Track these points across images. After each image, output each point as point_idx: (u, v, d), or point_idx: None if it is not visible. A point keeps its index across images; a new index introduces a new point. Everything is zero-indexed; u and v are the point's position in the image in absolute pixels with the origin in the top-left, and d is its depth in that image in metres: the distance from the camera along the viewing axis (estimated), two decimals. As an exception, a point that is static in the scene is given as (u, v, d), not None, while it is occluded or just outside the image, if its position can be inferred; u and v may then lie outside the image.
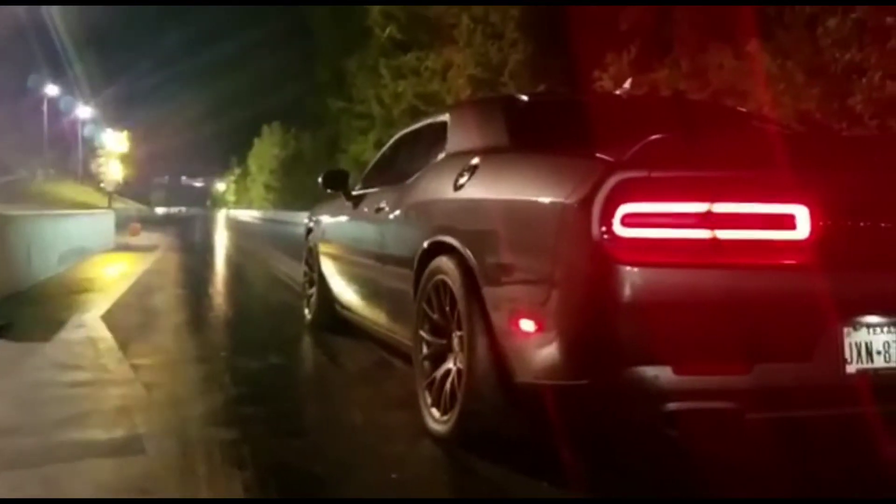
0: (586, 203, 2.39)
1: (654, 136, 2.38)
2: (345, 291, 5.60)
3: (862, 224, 2.43)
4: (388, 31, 31.74)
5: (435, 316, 3.49)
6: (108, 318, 6.98)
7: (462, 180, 3.44)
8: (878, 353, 2.42)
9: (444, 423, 3.28)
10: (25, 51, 64.91)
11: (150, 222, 39.33)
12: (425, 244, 3.60)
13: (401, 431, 3.68)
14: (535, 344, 2.70)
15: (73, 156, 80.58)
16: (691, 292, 2.32)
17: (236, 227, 41.13)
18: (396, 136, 6.09)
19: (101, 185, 42.80)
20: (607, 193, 2.34)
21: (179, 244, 21.34)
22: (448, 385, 3.31)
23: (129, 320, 7.05)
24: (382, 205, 4.59)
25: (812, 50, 14.02)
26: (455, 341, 3.30)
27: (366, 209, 5.05)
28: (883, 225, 2.44)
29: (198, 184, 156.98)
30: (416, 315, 3.67)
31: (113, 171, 40.67)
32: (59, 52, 65.33)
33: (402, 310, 4.03)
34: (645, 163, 2.34)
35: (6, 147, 66.85)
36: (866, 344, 2.42)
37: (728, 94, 15.99)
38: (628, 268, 2.31)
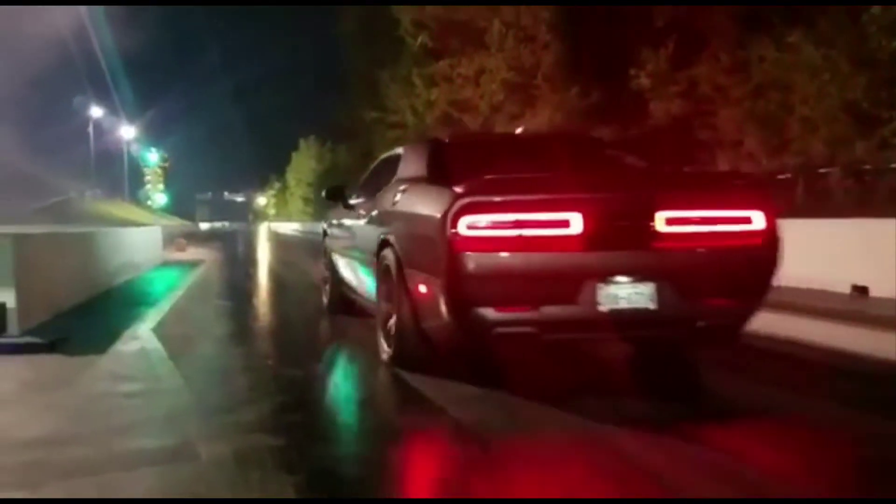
0: (444, 217, 4.06)
1: (487, 176, 4.28)
2: (345, 277, 7.34)
3: (611, 225, 4.06)
4: (419, 39, 31.84)
5: (384, 287, 5.25)
6: (159, 329, 7.15)
7: (396, 198, 5.27)
8: (622, 298, 4.08)
9: (388, 352, 5.16)
10: (70, 74, 66.51)
11: (195, 238, 39.98)
12: (379, 240, 5.35)
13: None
14: (426, 301, 4.47)
15: (119, 175, 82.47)
16: (505, 266, 4.03)
17: (277, 240, 41.62)
18: (377, 160, 7.53)
19: (148, 202, 43.86)
20: (454, 212, 4.01)
21: (223, 258, 21.67)
22: (389, 330, 5.10)
23: (178, 331, 7.22)
24: (361, 213, 6.46)
25: (857, 38, 13.75)
26: (395, 303, 4.95)
27: (352, 216, 6.89)
28: (623, 224, 4.09)
29: (239, 199, 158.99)
30: (374, 289, 5.56)
31: (156, 189, 41.69)
32: (102, 75, 66.87)
33: (372, 286, 5.70)
34: (476, 192, 4.08)
35: (55, 168, 68.59)
36: (613, 294, 4.07)
37: (771, 87, 15.77)
38: (468, 253, 3.99)
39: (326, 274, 8.41)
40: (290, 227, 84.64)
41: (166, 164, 75.56)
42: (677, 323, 4.27)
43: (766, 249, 4.26)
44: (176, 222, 71.29)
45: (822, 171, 13.66)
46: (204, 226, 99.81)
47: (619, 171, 5.77)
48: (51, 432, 3.80)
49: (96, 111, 75.76)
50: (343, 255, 7.35)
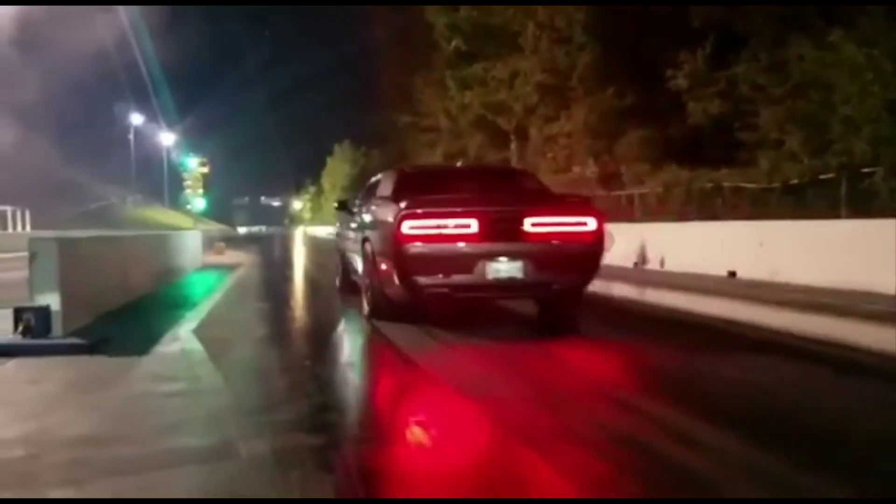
0: (395, 221, 6.53)
1: (420, 196, 6.96)
2: (350, 264, 9.66)
3: (495, 226, 6.47)
4: (453, 43, 31.92)
5: (366, 269, 7.81)
6: (200, 331, 7.24)
7: (371, 210, 8.05)
8: (502, 271, 6.46)
9: (366, 308, 7.77)
10: (112, 82, 67.79)
11: (234, 241, 40.43)
12: (362, 238, 8.08)
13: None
14: (386, 274, 6.92)
15: (159, 181, 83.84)
16: (430, 252, 6.44)
17: (312, 243, 41.89)
18: (369, 181, 9.81)
19: (188, 207, 44.62)
20: (398, 219, 6.49)
21: (261, 261, 21.88)
22: (368, 295, 7.73)
23: (218, 333, 7.30)
24: (356, 219, 9.17)
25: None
26: (370, 277, 7.63)
27: (351, 222, 9.55)
28: (503, 226, 6.51)
29: (276, 203, 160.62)
30: (362, 269, 8.17)
31: (196, 194, 42.37)
32: (143, 83, 68.05)
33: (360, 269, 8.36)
34: (412, 206, 6.60)
35: (97, 175, 69.97)
36: (496, 268, 6.44)
37: (811, 86, 15.51)
38: (407, 244, 6.46)
39: (339, 264, 11.19)
40: (325, 231, 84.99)
41: (205, 170, 76.60)
42: (537, 287, 6.89)
43: (595, 243, 6.93)
44: (214, 226, 72.22)
45: (865, 170, 13.40)
46: (241, 230, 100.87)
47: (507, 192, 8.06)
48: (94, 432, 3.86)
49: (137, 118, 77.18)
50: (347, 249, 10.01)
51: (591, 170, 22.62)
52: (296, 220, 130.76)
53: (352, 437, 3.85)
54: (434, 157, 38.44)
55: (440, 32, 32.70)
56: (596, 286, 7.35)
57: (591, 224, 6.86)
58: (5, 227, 37.87)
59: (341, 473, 3.25)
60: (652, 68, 20.09)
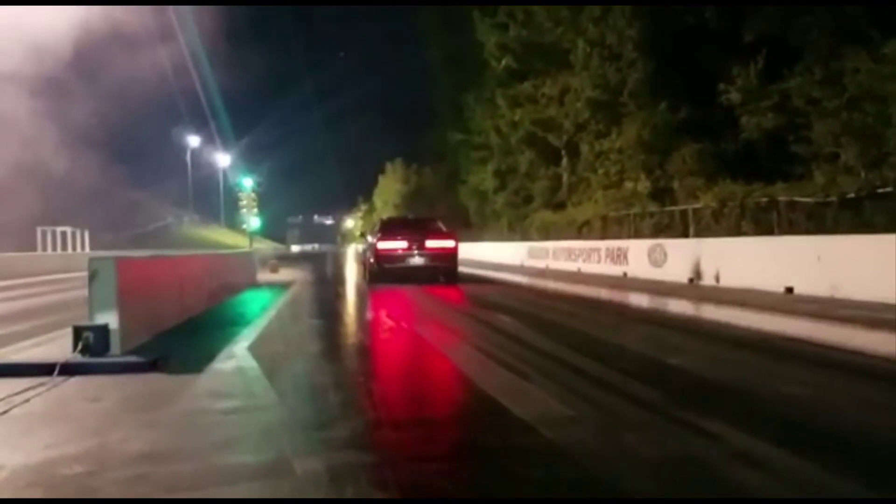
0: (375, 242, 17.50)
1: (386, 232, 17.98)
2: (365, 261, 20.00)
3: (412, 244, 16.68)
4: (503, 61, 32.03)
5: (366, 261, 19.01)
6: (255, 348, 7.35)
7: (369, 239, 19.54)
8: (416, 260, 16.63)
9: (365, 281, 18.18)
10: (170, 106, 69.49)
11: (287, 259, 40.99)
12: (366, 248, 20.37)
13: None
14: (370, 263, 17.69)
15: (215, 201, 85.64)
16: (390, 253, 16.77)
17: (362, 260, 42.34)
18: (375, 222, 24.37)
19: (243, 226, 45.67)
20: (376, 241, 17.42)
21: (313, 278, 22.14)
22: (366, 272, 18.42)
23: (272, 350, 7.40)
24: (366, 241, 20.89)
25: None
26: (367, 265, 18.70)
27: (365, 243, 21.60)
28: (416, 244, 16.72)
29: (328, 221, 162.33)
30: (364, 264, 19.76)
31: (251, 213, 43.30)
32: (200, 106, 69.49)
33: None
34: (382, 238, 17.36)
35: (156, 196, 71.80)
36: (414, 260, 16.60)
37: (867, 98, 15.15)
38: (379, 252, 16.95)
39: (363, 262, 21.05)
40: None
41: (260, 189, 78.00)
42: (430, 268, 16.53)
43: (453, 249, 17.00)
44: (269, 245, 73.32)
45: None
46: (295, 248, 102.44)
47: (422, 230, 17.61)
48: (153, 448, 3.93)
49: (194, 140, 79.05)
50: (363, 255, 21.50)
51: (644, 185, 22.37)
52: (348, 237, 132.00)
53: (406, 455, 3.83)
54: (485, 174, 38.54)
55: (490, 51, 32.88)
56: (650, 302, 7.21)
57: (452, 242, 17.19)
58: (65, 248, 39.04)
59: (394, 491, 3.24)
60: (704, 83, 19.83)
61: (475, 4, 33.80)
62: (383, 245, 16.67)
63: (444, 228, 18.65)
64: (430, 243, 16.49)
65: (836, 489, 3.20)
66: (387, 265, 16.38)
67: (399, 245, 16.45)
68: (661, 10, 21.95)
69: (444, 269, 16.55)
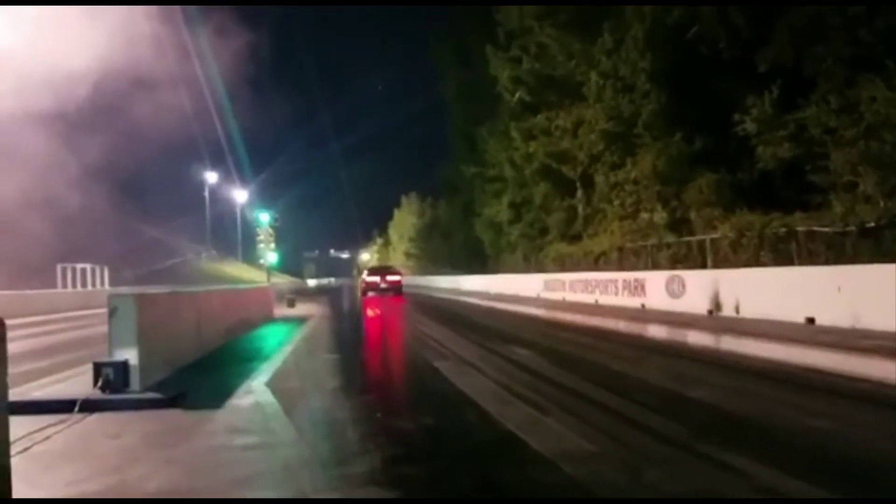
0: (364, 277, 39.03)
1: (369, 273, 40.14)
2: (359, 285, 42.14)
3: (380, 279, 36.68)
4: (517, 95, 32.25)
5: (361, 286, 39.21)
6: (272, 383, 7.34)
7: (363, 276, 40.88)
8: (382, 287, 35.93)
9: (359, 294, 37.91)
10: (187, 142, 70.40)
11: (304, 294, 41.09)
12: (361, 280, 42.02)
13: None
14: (362, 286, 38.08)
15: (233, 236, 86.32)
16: (370, 283, 36.71)
17: (379, 294, 42.48)
18: (364, 269, 54.51)
19: (260, 261, 46.17)
20: (365, 276, 39.25)
21: (330, 312, 22.16)
22: (360, 291, 38.30)
23: (290, 385, 7.39)
24: (362, 278, 41.39)
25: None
26: (359, 286, 42.50)
27: (362, 277, 42.21)
28: (381, 279, 36.88)
29: (344, 255, 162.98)
30: (359, 286, 40.84)
31: (268, 248, 43.77)
32: (219, 143, 70.31)
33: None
34: (367, 275, 38.82)
35: (174, 231, 72.49)
36: (381, 287, 35.86)
37: (883, 127, 15.10)
38: (365, 282, 37.38)
39: (359, 285, 42.39)
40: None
41: (277, 225, 78.65)
42: (388, 290, 35.20)
43: (400, 282, 37.24)
44: (286, 279, 73.64)
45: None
46: (311, 282, 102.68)
47: (386, 271, 39.77)
48: (173, 485, 3.93)
49: (212, 176, 79.88)
50: (360, 281, 41.94)
51: (660, 215, 22.32)
52: (362, 271, 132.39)
53: (426, 491, 3.80)
54: (500, 206, 38.65)
55: (504, 85, 33.13)
56: (669, 334, 7.14)
57: (399, 277, 37.70)
58: (85, 285, 39.36)
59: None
60: (719, 113, 19.83)
61: (488, 38, 34.20)
62: (368, 279, 37.51)
63: (398, 270, 42.40)
64: (389, 278, 36.92)
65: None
66: (369, 288, 36.04)
67: (375, 278, 36.90)
68: (673, 41, 22.06)
69: (395, 289, 35.77)
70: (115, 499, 3.16)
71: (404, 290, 39.09)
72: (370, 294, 35.08)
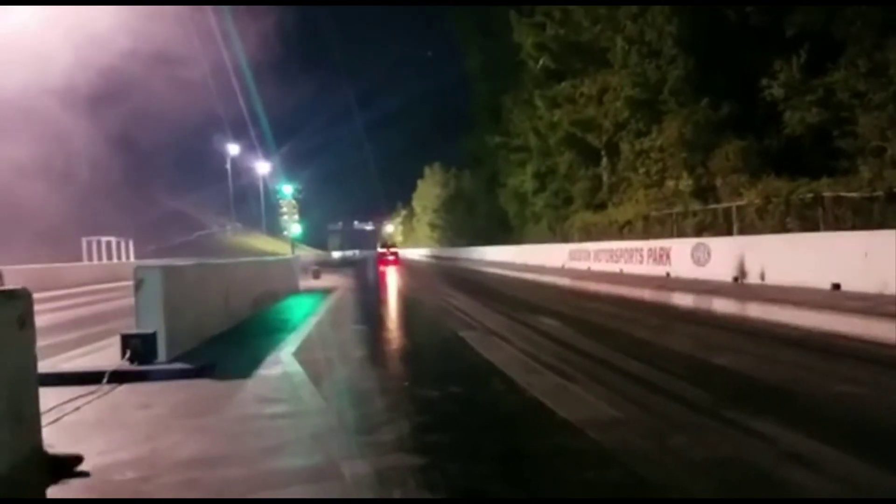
0: (378, 251, 65.73)
1: (381, 247, 67.34)
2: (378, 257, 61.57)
3: (387, 252, 56.75)
4: (540, 62, 31.90)
5: (377, 256, 61.68)
6: (300, 354, 7.43)
7: (378, 250, 68.81)
8: (388, 255, 54.93)
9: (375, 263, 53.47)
10: (211, 115, 70.68)
11: (329, 266, 41.35)
12: (378, 251, 66.43)
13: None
14: (377, 256, 62.84)
15: (256, 210, 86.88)
16: (380, 254, 59.17)
17: (405, 266, 42.49)
18: (380, 245, 74.48)
19: (285, 233, 46.60)
20: (378, 249, 67.26)
21: (355, 284, 22.30)
22: (376, 260, 60.07)
23: (317, 355, 7.47)
24: (378, 249, 69.44)
25: None
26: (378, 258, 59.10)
27: (378, 249, 68.88)
28: (387, 251, 57.06)
29: (368, 227, 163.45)
30: (376, 257, 62.46)
31: (292, 220, 43.98)
32: (242, 115, 70.50)
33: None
34: (380, 248, 66.57)
35: (198, 204, 73.21)
36: (388, 256, 54.76)
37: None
38: (378, 253, 62.07)
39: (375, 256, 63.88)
40: (417, 253, 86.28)
41: (300, 196, 78.94)
42: (391, 256, 53.69)
43: (397, 254, 58.42)
44: (310, 251, 74.19)
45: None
46: (336, 254, 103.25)
47: (391, 246, 61.36)
48: (204, 453, 3.99)
49: (234, 149, 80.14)
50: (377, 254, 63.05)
51: (686, 183, 22.10)
52: (388, 242, 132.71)
53: (453, 458, 3.83)
54: (524, 176, 38.45)
55: (528, 52, 32.76)
56: (695, 302, 7.10)
57: (397, 250, 61.53)
58: (110, 257, 39.81)
59: (442, 493, 3.25)
60: (746, 78, 19.53)
61: (512, 4, 33.76)
62: (379, 251, 60.10)
63: (396, 247, 65.69)
64: (391, 251, 55.71)
65: (892, 488, 3.13)
66: (380, 256, 55.21)
67: (384, 251, 56.34)
68: (700, 5, 21.68)
69: (395, 256, 54.32)
70: (131, 499, 3.22)
71: (428, 261, 54.72)
72: (380, 258, 55.10)
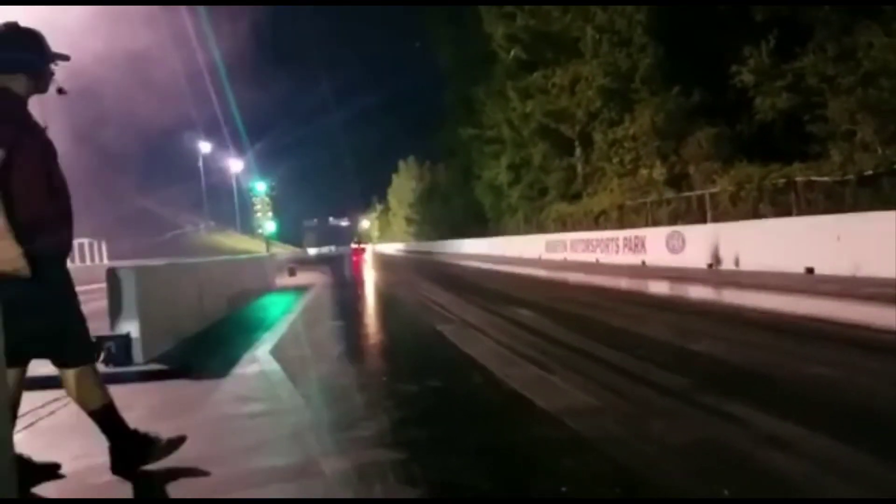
0: (352, 246, 73.76)
1: (354, 244, 75.77)
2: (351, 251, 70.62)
3: (359, 246, 70.35)
4: (512, 52, 31.94)
5: (350, 252, 68.15)
6: (277, 352, 7.39)
7: (351, 244, 79.92)
8: (358, 250, 65.54)
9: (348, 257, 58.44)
10: (184, 115, 70.10)
11: (304, 263, 41.19)
12: (351, 247, 76.23)
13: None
14: (351, 250, 71.89)
15: (230, 208, 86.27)
16: (354, 249, 68.15)
17: (381, 261, 42.42)
18: (353, 242, 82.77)
19: (259, 231, 46.23)
20: (352, 245, 73.99)
21: (331, 281, 22.19)
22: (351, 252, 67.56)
23: (294, 353, 7.43)
24: (351, 245, 79.83)
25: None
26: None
27: (351, 244, 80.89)
28: (358, 246, 70.39)
29: (344, 223, 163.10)
30: (350, 251, 69.56)
31: (266, 218, 43.63)
32: (213, 112, 69.92)
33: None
34: (353, 244, 74.01)
35: (172, 204, 72.52)
36: (359, 250, 65.11)
37: (881, 74, 14.98)
38: (352, 248, 72.63)
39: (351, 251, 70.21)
40: (393, 248, 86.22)
41: (274, 193, 78.51)
42: (360, 252, 63.12)
43: (364, 249, 70.32)
44: (286, 249, 74.08)
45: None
46: (311, 251, 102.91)
47: (360, 243, 73.71)
48: (183, 455, 3.93)
49: (206, 147, 79.45)
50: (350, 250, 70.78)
51: (659, 171, 22.26)
52: (364, 238, 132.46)
53: (433, 451, 3.83)
54: (499, 168, 38.52)
55: (499, 43, 32.78)
56: (671, 289, 7.16)
57: (365, 246, 74.77)
58: (83, 259, 39.33)
59: (423, 487, 3.25)
60: (717, 65, 19.68)
61: (483, 4, 33.75)
62: (353, 247, 67.59)
63: (364, 243, 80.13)
64: (361, 246, 67.13)
65: (867, 470, 3.17)
66: (353, 251, 59.70)
67: (356, 247, 65.45)
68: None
69: (363, 251, 63.87)
70: (117, 499, 3.19)
71: (415, 256, 49.96)
72: (353, 252, 60.82)
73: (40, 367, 6.64)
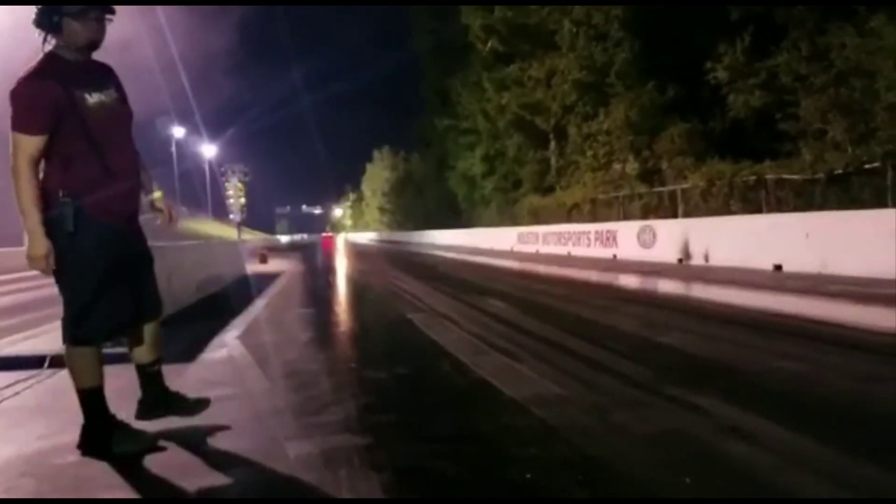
0: (322, 235, 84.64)
1: (324, 233, 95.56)
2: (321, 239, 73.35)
3: (329, 234, 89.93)
4: (489, 44, 31.94)
5: (322, 239, 63.78)
6: (245, 337, 7.35)
7: (323, 234, 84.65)
8: (329, 237, 72.44)
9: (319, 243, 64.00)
10: (155, 97, 69.21)
11: (276, 250, 40.92)
12: (323, 234, 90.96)
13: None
14: (321, 238, 70.06)
15: (201, 194, 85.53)
16: (324, 237, 72.87)
17: (354, 250, 42.27)
18: (324, 231, 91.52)
19: (231, 217, 45.75)
20: (323, 234, 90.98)
21: (303, 268, 22.09)
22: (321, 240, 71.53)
23: (263, 339, 7.39)
24: (325, 231, 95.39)
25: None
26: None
27: (324, 232, 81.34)
28: (329, 233, 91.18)
29: (317, 211, 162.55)
30: (322, 237, 71.16)
31: (238, 204, 43.28)
32: (185, 95, 69.08)
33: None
34: (324, 234, 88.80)
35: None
36: (330, 238, 70.56)
37: (853, 74, 15.20)
38: (322, 238, 74.78)
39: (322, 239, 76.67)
40: (366, 237, 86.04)
41: (246, 180, 77.88)
42: (330, 240, 63.65)
43: (334, 238, 75.46)
44: (258, 236, 73.67)
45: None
46: (284, 238, 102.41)
47: (330, 233, 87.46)
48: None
49: (179, 131, 78.51)
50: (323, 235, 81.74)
51: (632, 166, 22.42)
52: (337, 227, 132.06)
53: (400, 437, 3.83)
54: (473, 159, 38.55)
55: (476, 34, 32.75)
56: (641, 283, 7.22)
57: (333, 234, 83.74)
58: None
59: (388, 472, 3.25)
60: (691, 61, 19.85)
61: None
62: (324, 236, 70.00)
63: (332, 233, 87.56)
64: (331, 235, 68.86)
65: (827, 460, 3.22)
66: (323, 240, 58.15)
67: (327, 235, 68.03)
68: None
69: (332, 239, 64.68)
70: (114, 499, 3.15)
71: (390, 246, 50.16)
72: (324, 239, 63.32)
73: (5, 349, 6.60)
